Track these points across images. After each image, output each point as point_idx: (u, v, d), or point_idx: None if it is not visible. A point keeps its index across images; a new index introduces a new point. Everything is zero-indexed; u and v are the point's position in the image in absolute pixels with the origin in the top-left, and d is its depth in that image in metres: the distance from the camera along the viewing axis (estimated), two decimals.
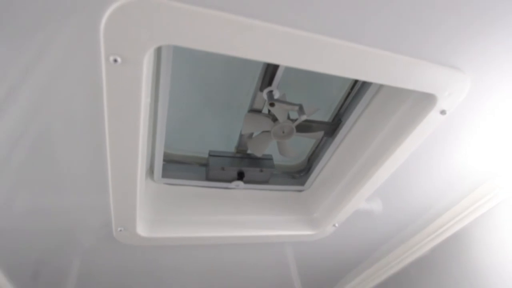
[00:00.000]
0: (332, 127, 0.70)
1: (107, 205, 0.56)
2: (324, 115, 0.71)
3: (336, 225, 0.76)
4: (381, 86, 0.59)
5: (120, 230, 0.61)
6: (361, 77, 0.44)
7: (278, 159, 0.76)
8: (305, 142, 0.78)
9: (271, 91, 0.56)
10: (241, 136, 0.70)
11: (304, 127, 0.67)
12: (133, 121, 0.42)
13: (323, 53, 0.39)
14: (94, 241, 0.67)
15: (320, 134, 0.68)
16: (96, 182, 0.51)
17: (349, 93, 0.65)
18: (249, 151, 0.73)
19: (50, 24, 0.32)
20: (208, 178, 0.73)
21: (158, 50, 0.46)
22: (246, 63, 0.49)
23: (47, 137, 0.44)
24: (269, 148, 0.68)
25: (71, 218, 0.59)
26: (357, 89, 0.62)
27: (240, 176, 0.73)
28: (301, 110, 0.58)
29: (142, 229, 0.63)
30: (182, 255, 0.78)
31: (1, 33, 0.32)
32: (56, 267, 0.73)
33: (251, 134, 0.69)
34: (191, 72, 0.58)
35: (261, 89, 0.57)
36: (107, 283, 0.85)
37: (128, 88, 0.39)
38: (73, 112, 0.42)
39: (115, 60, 0.36)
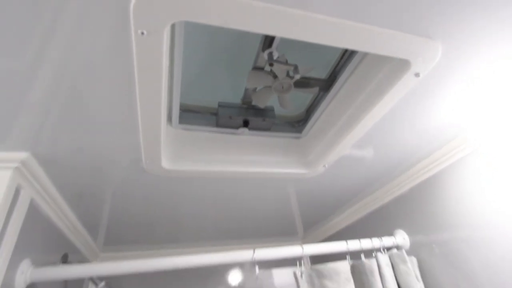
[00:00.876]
0: (328, 83, 0.79)
1: (138, 144, 0.70)
2: (322, 73, 0.80)
3: (326, 166, 0.90)
4: (366, 52, 0.67)
5: (148, 163, 0.77)
6: (346, 46, 0.53)
7: (279, 110, 0.87)
8: (305, 96, 0.88)
9: (271, 52, 0.65)
10: (246, 90, 0.80)
11: (302, 83, 0.76)
12: (156, 78, 0.54)
13: (311, 26, 0.48)
14: (126, 174, 0.83)
15: (315, 90, 0.77)
16: (129, 126, 0.65)
17: (342, 55, 0.72)
18: (253, 103, 0.84)
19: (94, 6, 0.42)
20: (218, 125, 0.85)
21: (173, 24, 0.55)
22: None
23: (88, 91, 0.56)
24: (271, 101, 0.78)
25: (108, 155, 0.74)
26: (348, 53, 0.70)
27: (246, 124, 0.85)
28: (296, 69, 0.67)
29: (165, 163, 0.79)
30: (197, 186, 0.95)
31: None
32: (95, 193, 0.91)
33: (255, 88, 0.79)
34: (204, 36, 0.67)
35: (263, 50, 0.66)
36: (135, 208, 1.04)
37: (152, 53, 0.49)
38: (112, 73, 0.53)
39: (142, 33, 0.46)
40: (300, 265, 0.90)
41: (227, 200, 1.07)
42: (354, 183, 1.04)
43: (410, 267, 0.90)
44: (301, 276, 0.88)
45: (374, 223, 1.21)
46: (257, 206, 1.17)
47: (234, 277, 1.52)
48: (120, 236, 1.24)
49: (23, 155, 0.67)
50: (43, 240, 0.85)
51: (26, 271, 0.71)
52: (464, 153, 0.85)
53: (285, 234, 1.54)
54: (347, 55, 0.71)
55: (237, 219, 1.26)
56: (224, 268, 1.54)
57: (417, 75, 0.61)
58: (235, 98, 0.84)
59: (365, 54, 0.68)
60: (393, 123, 0.76)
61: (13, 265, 0.67)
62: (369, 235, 1.01)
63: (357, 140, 0.80)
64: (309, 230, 1.52)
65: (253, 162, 0.88)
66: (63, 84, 0.54)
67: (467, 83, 0.66)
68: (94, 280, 0.96)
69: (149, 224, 1.18)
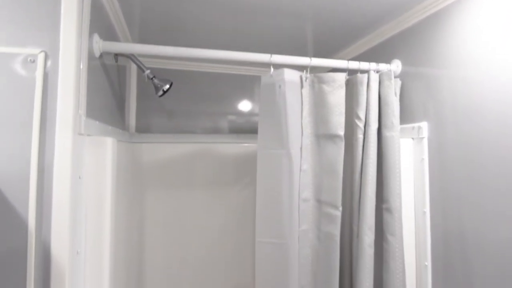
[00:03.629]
0: None
1: None
2: None
3: None
4: None
5: None
6: None
7: None
8: None
9: None
10: None
11: None
12: None
13: None
14: None
15: None
16: None
17: None
18: None
19: None
20: None
21: None
22: None
23: None
24: None
25: None
26: None
27: None
28: None
29: None
30: None
31: None
32: None
33: None
34: None
35: None
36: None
37: None
38: None
39: None
40: (307, 72, 1.13)
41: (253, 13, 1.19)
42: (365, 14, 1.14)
43: (393, 84, 1.13)
44: (305, 80, 1.12)
45: (377, 56, 1.38)
46: (277, 24, 1.30)
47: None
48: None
49: None
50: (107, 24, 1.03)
51: (98, 42, 0.93)
52: None
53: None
54: None
55: (256, 32, 1.40)
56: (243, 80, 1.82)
57: None
58: None
59: None
60: None
61: (90, 35, 0.88)
62: None
63: None
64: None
65: None
66: None
67: None
68: (141, 67, 1.21)
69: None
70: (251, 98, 1.91)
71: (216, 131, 1.82)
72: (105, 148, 0.83)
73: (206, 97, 1.80)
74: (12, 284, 0.67)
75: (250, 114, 1.90)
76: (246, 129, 1.88)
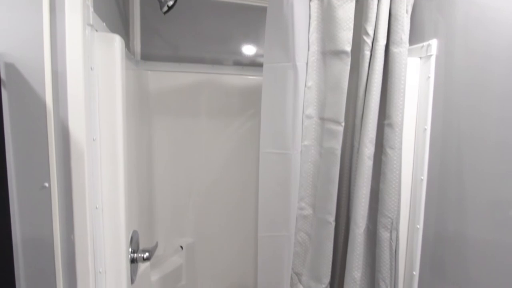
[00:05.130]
0: None
1: None
2: None
3: None
4: None
5: None
6: None
7: None
8: None
9: None
10: None
11: None
12: None
13: None
14: None
15: None
16: None
17: None
18: None
19: None
20: None
21: None
22: None
23: None
24: None
25: None
26: None
27: None
28: None
29: None
30: None
31: None
32: None
33: None
34: None
35: None
36: None
37: None
38: None
39: None
40: None
41: None
42: None
43: (405, 0, 1.09)
44: None
45: None
46: None
47: None
48: None
49: None
50: None
51: None
52: None
53: None
54: None
55: None
56: None
57: None
58: None
59: None
60: None
61: None
62: None
63: None
64: None
65: None
66: None
67: None
68: None
69: None
70: (257, 31, 1.87)
71: (221, 62, 1.80)
72: (114, 45, 0.84)
73: (212, 28, 1.76)
74: (34, 161, 0.72)
75: (256, 46, 1.87)
76: (252, 62, 1.86)
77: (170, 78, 1.67)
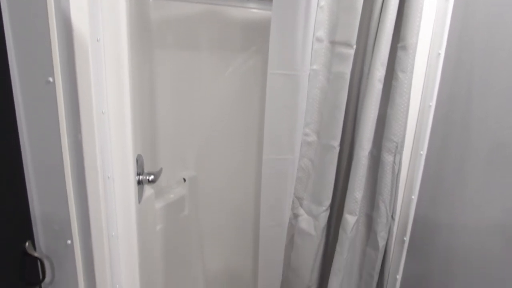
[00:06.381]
0: None
1: None
2: None
3: None
4: None
5: None
6: None
7: None
8: None
9: None
10: None
11: None
12: None
13: None
14: None
15: None
16: None
17: None
18: None
19: None
20: None
21: None
22: None
23: None
24: None
25: None
26: None
27: None
28: None
29: None
30: None
31: None
32: None
33: None
34: None
35: None
36: None
37: None
38: None
39: None
40: None
41: None
42: None
43: None
44: None
45: None
46: None
47: None
48: None
49: None
50: None
51: None
52: None
53: None
54: None
55: None
56: None
57: None
58: None
59: None
60: None
61: None
62: None
63: None
64: None
65: None
66: None
67: None
68: None
69: None
70: None
71: None
72: None
73: None
74: (36, 56, 0.68)
75: None
76: None
77: (170, 6, 1.57)
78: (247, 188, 1.91)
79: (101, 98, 0.79)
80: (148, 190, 1.46)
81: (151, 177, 1.30)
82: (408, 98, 1.06)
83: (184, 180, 1.79)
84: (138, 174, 1.30)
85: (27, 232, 0.70)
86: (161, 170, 1.39)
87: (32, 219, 0.72)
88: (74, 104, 0.74)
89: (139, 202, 1.30)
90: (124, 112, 0.83)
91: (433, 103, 1.10)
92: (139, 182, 1.29)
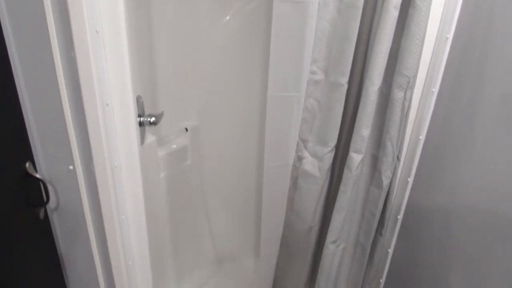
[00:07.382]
0: None
1: None
2: None
3: None
4: None
5: None
6: None
7: None
8: None
9: None
10: None
11: None
12: None
13: None
14: None
15: None
16: None
17: None
18: None
19: None
20: None
21: None
22: None
23: None
24: None
25: None
26: None
27: None
28: None
29: None
30: None
31: None
32: None
33: None
34: None
35: None
36: None
37: None
38: None
39: None
40: None
41: None
42: None
43: None
44: None
45: None
46: None
47: None
48: None
49: None
50: None
51: None
52: None
53: None
54: None
55: None
56: None
57: None
58: None
59: None
60: None
61: None
62: None
63: None
64: None
65: None
66: None
67: None
68: None
69: None
70: None
71: None
72: None
73: None
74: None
75: None
76: None
77: None
78: (251, 139, 1.88)
79: (94, 15, 0.73)
80: (150, 137, 1.44)
81: (153, 119, 1.26)
82: (425, 28, 0.99)
83: (186, 129, 1.76)
84: (139, 116, 1.27)
85: (26, 152, 0.68)
86: (162, 113, 1.35)
87: (30, 139, 0.69)
88: (65, 23, 0.68)
89: (142, 143, 1.28)
90: (120, 30, 0.77)
91: (450, 35, 1.02)
92: (141, 124, 1.26)
